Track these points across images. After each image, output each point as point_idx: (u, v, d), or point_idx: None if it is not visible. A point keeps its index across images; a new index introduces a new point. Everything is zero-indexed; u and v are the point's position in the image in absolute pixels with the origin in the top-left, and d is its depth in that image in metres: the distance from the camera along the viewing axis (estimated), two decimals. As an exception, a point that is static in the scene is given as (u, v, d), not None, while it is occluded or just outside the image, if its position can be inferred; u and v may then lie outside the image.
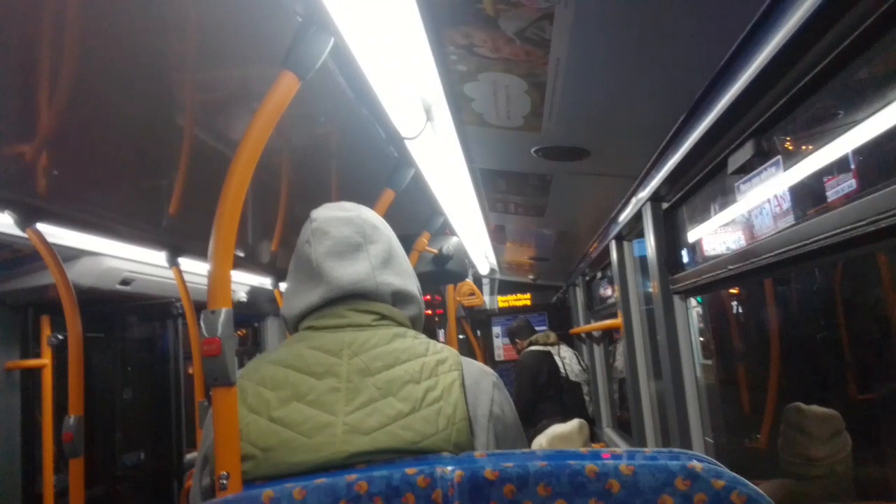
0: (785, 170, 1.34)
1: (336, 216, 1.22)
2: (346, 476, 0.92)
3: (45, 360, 3.00)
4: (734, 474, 0.87)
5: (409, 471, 0.91)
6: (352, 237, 1.20)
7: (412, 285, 1.26)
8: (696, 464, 0.87)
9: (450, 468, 0.91)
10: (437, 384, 1.07)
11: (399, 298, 1.21)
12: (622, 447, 3.38)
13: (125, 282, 3.08)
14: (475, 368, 1.17)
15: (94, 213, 2.32)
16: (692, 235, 2.02)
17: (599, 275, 4.52)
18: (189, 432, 4.15)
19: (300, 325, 1.19)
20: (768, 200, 1.43)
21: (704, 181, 1.81)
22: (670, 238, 2.13)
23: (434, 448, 1.02)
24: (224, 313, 1.04)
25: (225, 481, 1.00)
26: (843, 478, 1.96)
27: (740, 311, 3.49)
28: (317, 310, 1.17)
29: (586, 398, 4.72)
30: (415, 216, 2.76)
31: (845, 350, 2.68)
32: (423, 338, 1.18)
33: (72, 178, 2.00)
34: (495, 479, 0.89)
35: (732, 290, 3.41)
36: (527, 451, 1.06)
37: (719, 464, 0.91)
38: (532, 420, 4.46)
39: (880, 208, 0.95)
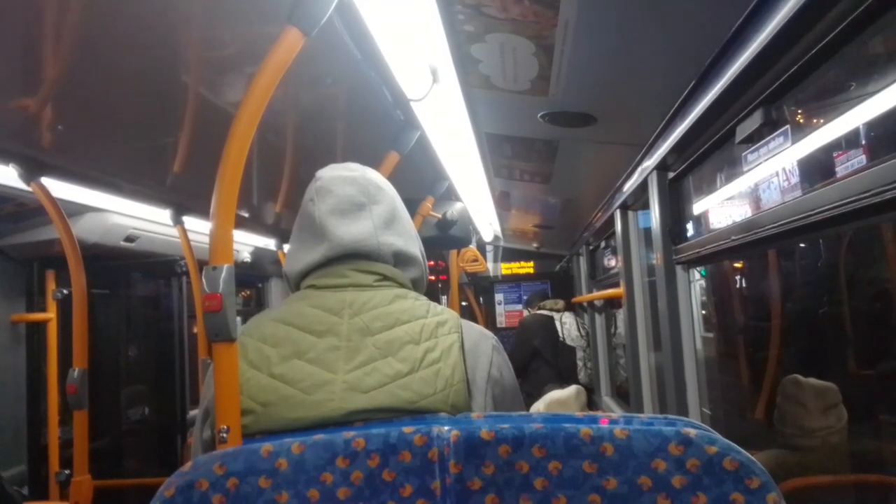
0: (793, 140, 1.33)
1: (341, 175, 1.22)
2: (344, 433, 0.94)
3: (51, 315, 3.03)
4: (727, 441, 0.88)
5: (407, 430, 0.92)
6: (355, 196, 1.20)
7: (414, 247, 1.26)
8: (690, 430, 0.88)
9: (446, 428, 0.92)
10: (437, 346, 1.08)
11: (401, 259, 1.22)
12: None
13: (130, 239, 3.08)
14: (475, 331, 1.18)
15: (98, 168, 2.32)
16: (697, 206, 2.01)
17: (603, 244, 4.52)
18: (193, 390, 4.20)
19: (302, 284, 1.19)
20: (775, 171, 1.42)
21: (711, 150, 1.79)
22: (675, 208, 2.12)
23: (432, 408, 1.03)
24: (225, 270, 1.04)
25: (225, 435, 1.01)
26: (837, 450, 1.99)
27: (743, 285, 3.49)
28: (318, 268, 1.18)
29: (579, 363, 4.85)
30: (419, 180, 2.75)
31: (847, 326, 2.69)
32: (423, 300, 1.18)
33: (76, 133, 2.00)
34: (491, 439, 0.90)
35: (736, 265, 3.41)
36: (524, 413, 1.07)
37: (713, 431, 0.92)
38: (524, 376, 4.77)
39: (886, 179, 0.94)
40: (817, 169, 1.24)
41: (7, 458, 2.94)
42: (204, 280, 1.03)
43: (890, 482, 1.96)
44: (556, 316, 5.00)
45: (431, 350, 1.07)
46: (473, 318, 6.27)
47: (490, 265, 6.98)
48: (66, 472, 2.48)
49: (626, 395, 3.81)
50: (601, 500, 0.87)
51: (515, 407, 1.19)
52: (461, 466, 0.89)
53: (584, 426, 0.90)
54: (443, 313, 1.15)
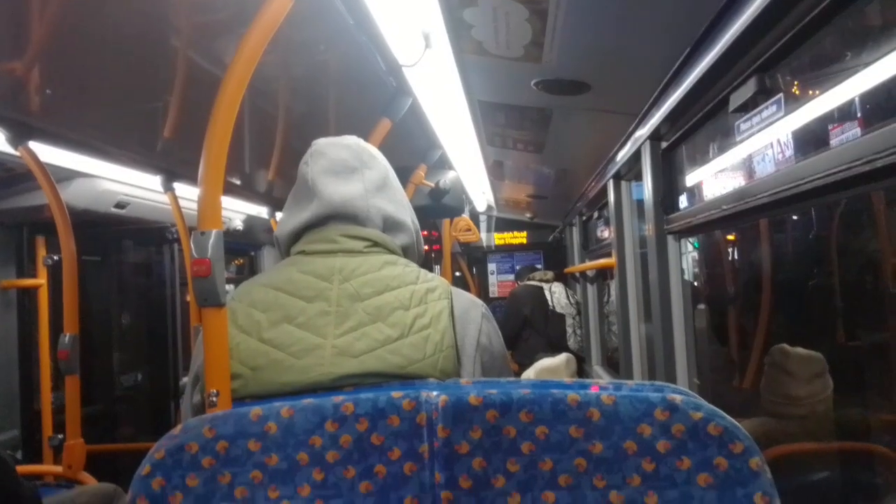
0: (786, 109, 1.32)
1: (335, 141, 1.25)
2: (333, 398, 0.94)
3: (41, 281, 3.02)
4: (713, 407, 0.89)
5: (395, 394, 0.93)
6: (348, 160, 1.22)
7: (405, 215, 1.26)
8: (675, 396, 0.89)
9: (434, 393, 0.93)
10: (427, 311, 1.08)
11: (390, 225, 1.22)
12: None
13: (120, 205, 3.06)
14: (465, 298, 1.19)
15: (87, 133, 2.29)
16: (689, 177, 2.01)
17: (596, 215, 4.52)
18: (186, 356, 4.21)
19: (292, 250, 1.19)
20: (768, 141, 1.41)
21: (704, 120, 1.78)
22: (667, 178, 2.12)
23: (421, 374, 1.04)
24: (214, 235, 1.04)
25: (214, 399, 1.02)
26: (822, 418, 2.02)
27: (735, 257, 3.51)
28: (308, 229, 1.18)
29: (568, 329, 4.93)
30: (412, 149, 2.73)
31: (836, 297, 2.71)
32: (413, 266, 1.18)
33: (64, 96, 1.97)
34: (479, 404, 0.90)
35: (729, 237, 3.41)
36: (512, 380, 1.08)
37: (699, 397, 0.93)
38: (514, 347, 4.88)
39: (878, 147, 0.94)
40: (810, 138, 1.24)
41: (0, 422, 2.95)
42: (192, 245, 1.02)
43: (874, 450, 1.99)
44: (545, 286, 5.08)
45: (421, 316, 1.07)
46: (466, 288, 6.29)
47: (483, 235, 6.98)
48: (60, 436, 2.50)
49: (616, 365, 3.84)
50: (587, 464, 0.88)
51: (504, 374, 1.20)
52: (449, 430, 0.90)
53: (571, 392, 0.91)
54: (433, 280, 1.15)
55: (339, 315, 1.06)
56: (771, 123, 1.39)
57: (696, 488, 0.86)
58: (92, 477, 2.39)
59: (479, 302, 1.22)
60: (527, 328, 4.95)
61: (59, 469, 2.45)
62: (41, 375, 2.97)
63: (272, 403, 0.95)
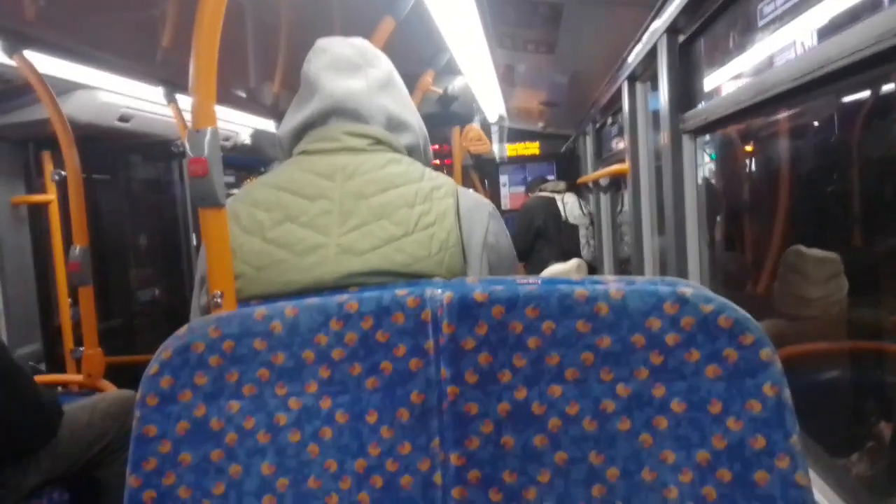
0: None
1: (339, 40, 1.21)
2: (337, 297, 0.94)
3: (51, 196, 3.02)
4: (724, 300, 0.87)
5: (399, 292, 0.92)
6: (352, 56, 1.17)
7: (409, 115, 1.21)
8: (685, 289, 0.87)
9: (439, 290, 0.91)
10: (432, 209, 1.06)
11: (395, 125, 1.17)
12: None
13: (124, 118, 3.02)
14: (471, 198, 1.16)
15: (83, 41, 2.24)
16: (707, 71, 1.93)
17: (610, 121, 4.41)
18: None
19: (294, 151, 1.16)
20: (790, 25, 1.33)
21: (726, 7, 1.68)
22: (684, 75, 2.03)
23: (426, 272, 1.02)
24: (210, 132, 1.00)
25: (219, 300, 1.01)
26: (835, 319, 2.01)
27: (752, 166, 3.43)
28: (310, 128, 1.14)
29: (582, 240, 4.89)
30: (418, 52, 2.64)
31: (855, 202, 2.65)
32: (418, 165, 1.15)
33: (58, 3, 1.91)
34: (485, 300, 0.89)
35: (747, 148, 3.33)
36: (520, 276, 1.06)
37: (709, 291, 0.91)
38: (527, 258, 4.84)
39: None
40: (836, 21, 1.16)
41: (21, 336, 3.02)
42: (188, 144, 0.99)
43: (887, 349, 1.98)
44: (557, 197, 4.97)
45: (426, 213, 1.05)
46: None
47: (495, 146, 6.86)
48: (81, 348, 2.55)
49: (629, 275, 3.84)
50: (594, 358, 0.88)
51: (511, 274, 1.18)
52: (454, 327, 0.89)
53: (578, 287, 0.89)
54: (438, 178, 1.12)
55: (343, 213, 1.04)
56: (794, 8, 1.31)
57: (704, 380, 0.85)
58: (111, 384, 2.45)
59: (487, 202, 1.19)
60: (539, 240, 4.88)
61: (79, 378, 2.51)
62: (58, 290, 3.01)
63: (276, 303, 0.94)
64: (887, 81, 1.98)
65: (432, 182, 1.10)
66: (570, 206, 4.93)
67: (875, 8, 1.01)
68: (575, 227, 4.93)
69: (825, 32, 1.21)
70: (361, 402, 0.91)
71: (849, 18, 1.12)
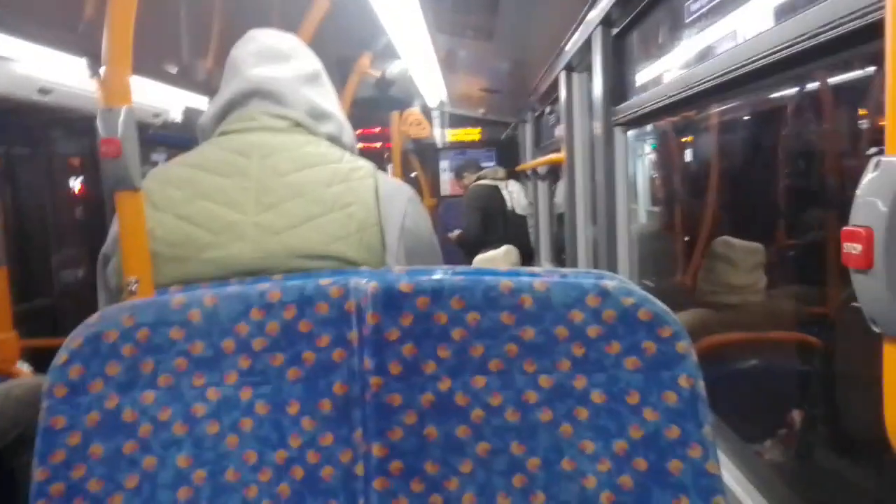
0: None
1: (270, 31, 1.19)
2: (258, 285, 0.91)
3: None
4: (645, 293, 0.88)
5: (323, 281, 0.90)
6: (280, 47, 1.16)
7: (334, 109, 1.19)
8: (608, 282, 0.88)
9: (364, 280, 0.90)
10: (350, 189, 1.05)
11: (316, 114, 1.14)
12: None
13: (44, 91, 2.86)
14: (391, 181, 1.15)
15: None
16: (639, 66, 1.96)
17: (549, 109, 4.45)
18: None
19: (213, 133, 1.12)
20: (716, 21, 1.36)
21: (656, 1, 1.71)
22: (618, 68, 2.07)
23: (345, 253, 1.01)
24: (124, 112, 0.95)
25: (133, 287, 0.97)
26: (756, 308, 2.09)
27: (689, 159, 3.52)
28: (231, 110, 1.11)
29: (531, 231, 4.84)
30: (354, 34, 2.60)
31: (780, 197, 2.75)
32: (338, 148, 1.13)
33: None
34: (410, 291, 0.88)
35: (684, 139, 3.41)
36: (446, 267, 1.06)
37: (632, 284, 0.92)
38: (477, 251, 4.58)
39: (822, 21, 0.90)
40: (760, 19, 1.19)
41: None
42: (99, 124, 0.94)
43: (805, 340, 2.06)
44: (500, 185, 4.84)
45: (344, 193, 1.04)
46: (419, 187, 6.19)
47: (437, 132, 6.83)
48: (-5, 333, 2.42)
49: (565, 262, 3.89)
50: (518, 350, 0.88)
51: (431, 261, 1.17)
52: (378, 317, 0.88)
53: (504, 279, 0.89)
54: (357, 160, 1.11)
55: (259, 191, 1.02)
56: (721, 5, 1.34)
57: (624, 371, 0.87)
58: (26, 370, 2.34)
59: (407, 187, 1.18)
60: (488, 232, 4.58)
61: None
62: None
63: (195, 291, 0.91)
64: (806, 81, 2.06)
65: (351, 164, 1.09)
66: (515, 195, 4.81)
67: (794, 10, 1.05)
68: (523, 218, 4.81)
69: (747, 31, 1.25)
70: (282, 393, 0.90)
71: (772, 19, 1.15)
